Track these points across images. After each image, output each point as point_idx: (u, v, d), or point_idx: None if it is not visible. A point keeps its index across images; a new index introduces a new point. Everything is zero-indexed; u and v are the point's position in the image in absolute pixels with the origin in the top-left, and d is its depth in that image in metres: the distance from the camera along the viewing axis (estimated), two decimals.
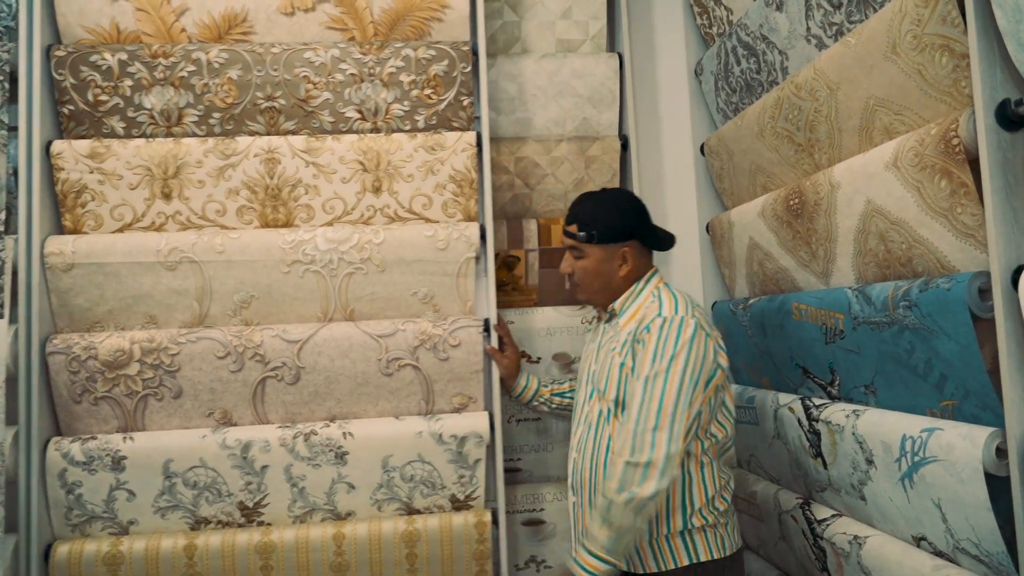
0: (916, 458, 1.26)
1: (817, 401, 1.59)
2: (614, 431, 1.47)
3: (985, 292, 1.14)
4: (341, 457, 1.82)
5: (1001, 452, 1.11)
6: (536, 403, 1.92)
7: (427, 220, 1.97)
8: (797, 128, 1.63)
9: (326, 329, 1.86)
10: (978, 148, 1.10)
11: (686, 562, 1.44)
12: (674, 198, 2.25)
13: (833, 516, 1.55)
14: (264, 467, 1.81)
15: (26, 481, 1.75)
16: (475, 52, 1.98)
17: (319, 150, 1.93)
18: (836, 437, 1.48)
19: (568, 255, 1.63)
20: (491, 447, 1.87)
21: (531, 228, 2.10)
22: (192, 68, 1.91)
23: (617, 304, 1.58)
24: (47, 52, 1.89)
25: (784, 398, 1.71)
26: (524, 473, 2.04)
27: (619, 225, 1.56)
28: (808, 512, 1.62)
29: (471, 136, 1.96)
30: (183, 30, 1.97)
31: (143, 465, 1.79)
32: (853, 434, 1.42)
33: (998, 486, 1.12)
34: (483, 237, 1.92)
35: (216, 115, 1.94)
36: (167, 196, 1.91)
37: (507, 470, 2.00)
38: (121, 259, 1.83)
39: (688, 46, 2.22)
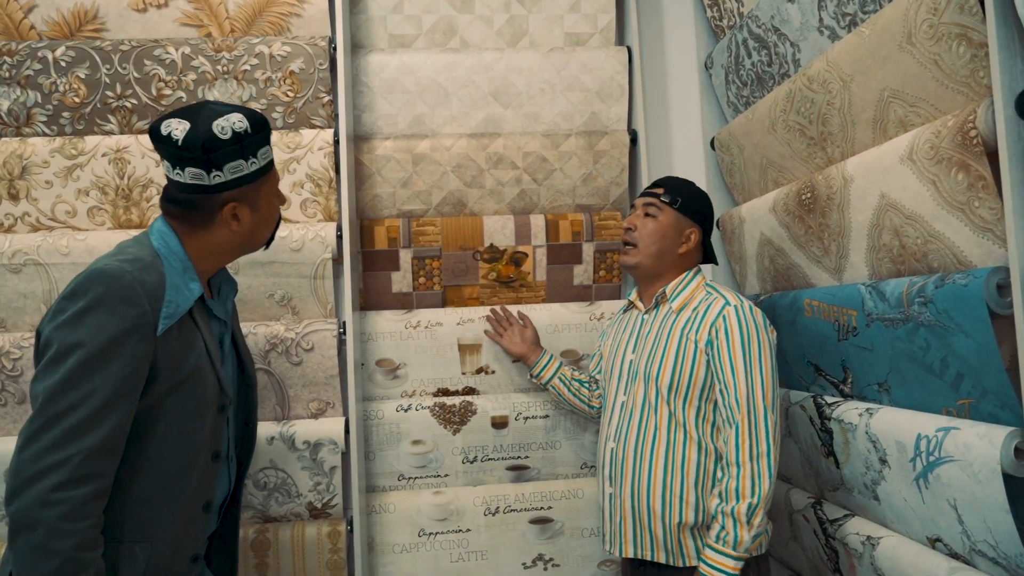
0: (931, 458, 1.23)
1: (829, 399, 1.56)
2: (662, 417, 1.51)
3: (1004, 288, 1.12)
4: None
5: (1020, 452, 1.10)
6: (558, 380, 1.88)
7: (286, 220, 1.92)
8: (809, 121, 1.59)
9: None
10: (997, 140, 1.08)
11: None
12: None
13: (846, 516, 1.52)
14: None
15: None
16: (333, 47, 1.94)
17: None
18: (849, 436, 1.46)
19: (638, 214, 1.64)
20: (347, 454, 1.85)
21: (539, 223, 2.06)
22: (39, 66, 1.87)
23: (669, 289, 1.60)
24: None
25: (796, 396, 1.68)
26: (532, 471, 2.03)
27: (700, 207, 1.63)
28: (820, 512, 1.59)
29: (328, 134, 1.92)
30: (32, 27, 1.92)
31: None
32: (866, 433, 1.40)
33: (1017, 487, 1.10)
34: (340, 237, 1.87)
35: (66, 114, 1.90)
36: (14, 197, 1.87)
37: (516, 468, 2.01)
38: None
39: (698, 39, 2.18)
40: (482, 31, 2.11)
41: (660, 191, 1.63)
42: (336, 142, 1.90)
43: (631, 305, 1.72)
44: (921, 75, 1.24)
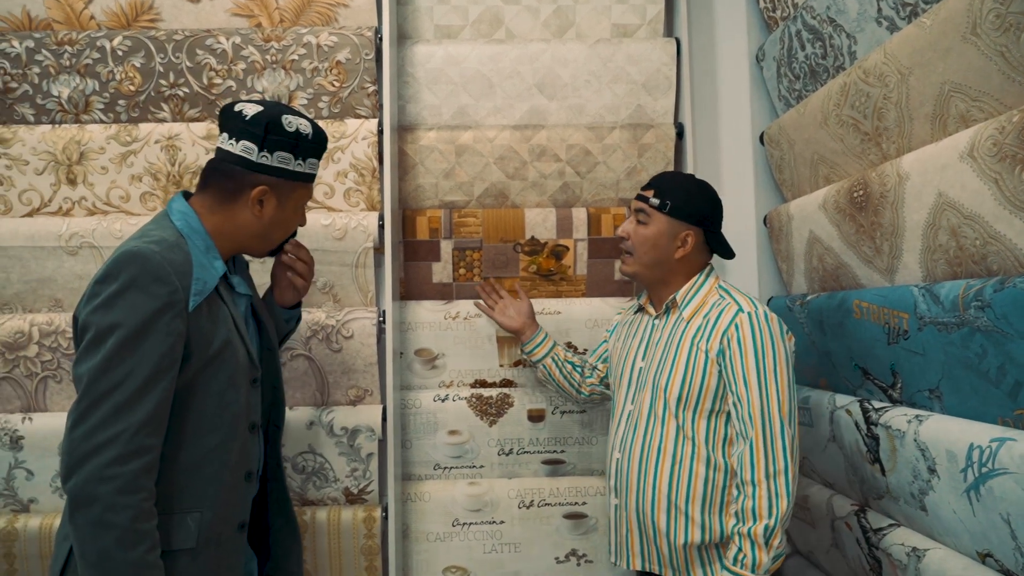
0: (984, 469, 1.18)
1: (877, 404, 1.51)
2: (669, 430, 1.45)
3: None
4: None
5: None
6: (551, 360, 1.82)
7: (329, 209, 1.95)
8: (864, 116, 1.53)
9: None
10: None
11: None
12: (731, 189, 2.14)
13: (891, 526, 1.47)
14: None
15: None
16: (379, 38, 1.95)
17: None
18: (896, 443, 1.41)
19: (632, 219, 1.58)
20: (384, 442, 1.86)
21: (581, 217, 2.03)
22: (97, 55, 1.92)
23: (680, 295, 1.54)
24: None
25: (841, 400, 1.63)
26: (568, 466, 2.01)
27: (694, 206, 1.53)
28: (864, 520, 1.55)
29: (372, 124, 1.93)
30: (92, 17, 1.98)
31: (39, 446, 1.81)
32: (915, 440, 1.34)
33: None
34: (382, 227, 1.88)
35: (122, 102, 1.95)
36: (72, 182, 1.93)
37: (551, 462, 2.00)
38: (24, 243, 1.85)
39: (749, 31, 2.13)
40: (528, 22, 2.09)
41: (650, 194, 1.55)
42: (380, 132, 1.91)
43: (642, 308, 1.65)
44: (986, 68, 1.18)
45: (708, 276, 1.55)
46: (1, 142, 1.88)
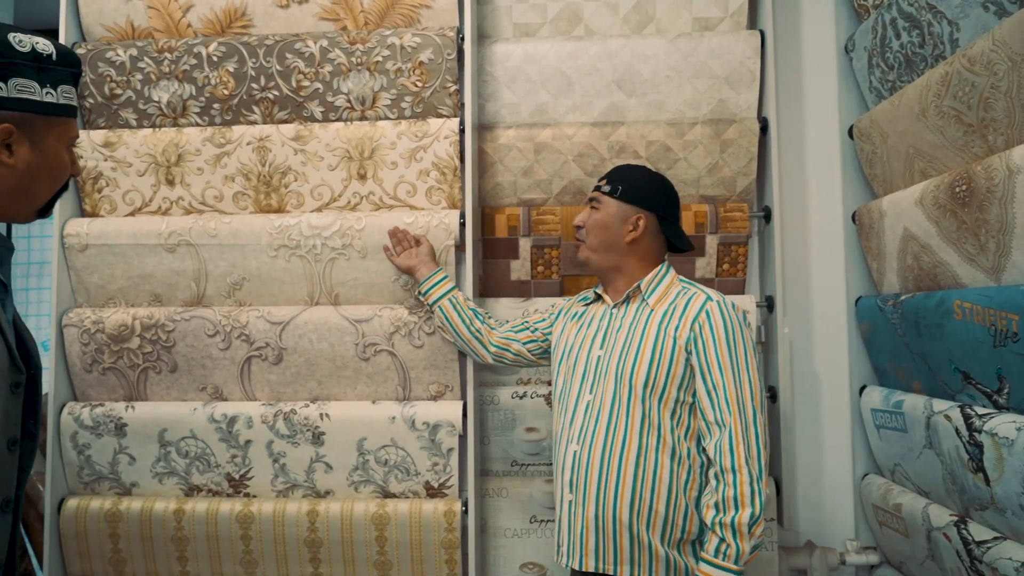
0: None
1: (980, 410, 1.43)
2: (634, 418, 1.41)
3: None
4: (318, 437, 1.90)
5: None
6: (448, 302, 1.75)
7: (412, 207, 1.99)
8: (968, 107, 1.46)
9: (307, 312, 1.93)
10: None
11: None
12: (817, 184, 2.11)
13: (996, 539, 1.40)
14: (248, 442, 1.92)
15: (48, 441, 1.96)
16: (461, 38, 1.97)
17: (307, 138, 1.98)
18: (1003, 451, 1.33)
19: (586, 209, 1.58)
20: (464, 437, 1.88)
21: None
22: (194, 61, 2.01)
23: (644, 284, 1.51)
24: None
25: (939, 405, 1.56)
26: None
27: (644, 191, 1.53)
28: (964, 531, 1.47)
29: (454, 123, 1.95)
30: (189, 25, 2.08)
31: (141, 433, 1.93)
32: None
33: None
34: (463, 225, 1.90)
35: (216, 106, 2.03)
36: (171, 182, 2.02)
37: None
38: (127, 241, 1.96)
39: (838, 20, 2.06)
40: (607, 18, 2.08)
41: (603, 182, 1.56)
42: (461, 131, 1.94)
43: (597, 297, 1.60)
44: None
45: (668, 269, 1.54)
46: (107, 145, 1.99)
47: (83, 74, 1.98)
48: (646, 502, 1.38)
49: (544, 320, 1.72)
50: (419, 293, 1.80)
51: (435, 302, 1.77)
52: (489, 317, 1.79)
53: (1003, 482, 1.34)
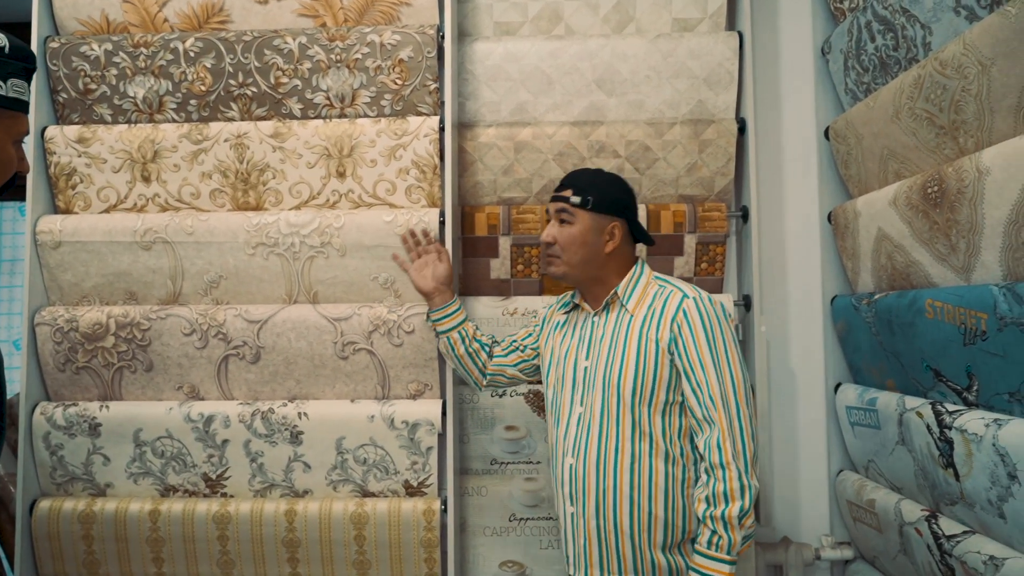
0: None
1: (951, 407, 1.46)
2: (624, 427, 1.41)
3: None
4: (296, 437, 1.90)
5: None
6: (457, 335, 1.67)
7: (391, 205, 1.98)
8: (940, 109, 1.48)
9: (284, 311, 1.92)
10: None
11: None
12: (794, 185, 2.12)
13: (965, 533, 1.42)
14: (224, 441, 1.90)
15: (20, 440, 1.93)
16: (441, 36, 1.96)
17: (285, 135, 1.97)
18: (972, 447, 1.35)
19: (552, 223, 1.53)
20: (443, 436, 1.88)
21: (640, 214, 1.97)
22: (170, 57, 1.98)
23: (620, 290, 1.49)
24: (44, 43, 2.00)
25: (911, 402, 1.58)
26: None
27: (615, 197, 1.51)
28: (935, 526, 1.50)
29: (433, 121, 1.95)
30: (165, 20, 2.05)
31: (116, 433, 1.91)
32: (994, 445, 1.29)
33: None
34: (443, 223, 1.90)
35: (193, 102, 2.01)
36: (147, 179, 1.99)
37: None
38: (101, 238, 1.94)
39: (814, 23, 2.08)
40: (587, 17, 2.08)
41: (568, 193, 1.50)
42: (441, 129, 1.93)
43: (576, 306, 1.58)
44: None
45: (643, 268, 1.53)
46: (81, 141, 1.96)
47: (58, 69, 1.97)
48: (645, 509, 1.40)
49: (531, 335, 1.71)
50: (429, 319, 1.72)
51: (445, 332, 1.69)
52: (496, 346, 1.72)
53: (972, 477, 1.37)
